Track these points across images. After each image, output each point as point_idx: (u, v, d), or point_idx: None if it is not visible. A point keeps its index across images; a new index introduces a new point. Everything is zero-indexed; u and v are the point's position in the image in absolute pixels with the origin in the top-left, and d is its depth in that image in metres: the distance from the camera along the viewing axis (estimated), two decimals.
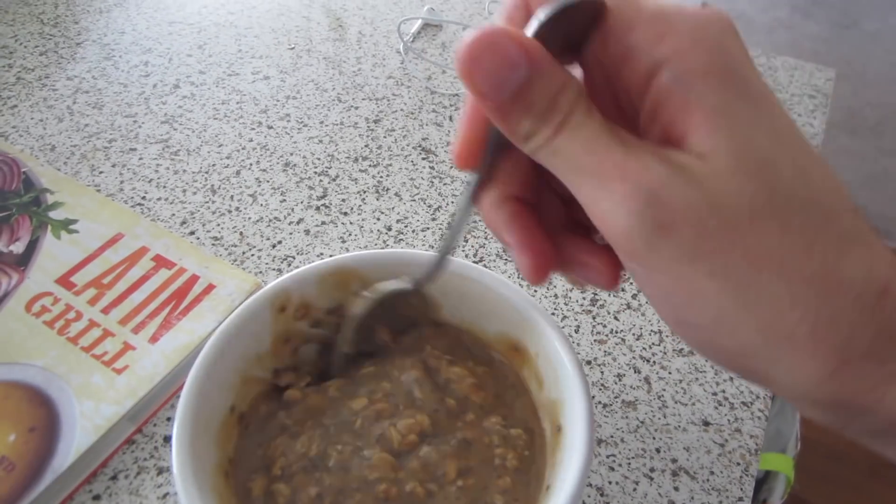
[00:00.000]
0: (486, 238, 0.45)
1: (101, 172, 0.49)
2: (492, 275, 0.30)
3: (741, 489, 0.34)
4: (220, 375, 0.27)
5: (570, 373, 0.26)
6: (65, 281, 0.40)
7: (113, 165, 0.50)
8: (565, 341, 0.27)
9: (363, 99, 0.57)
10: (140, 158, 0.50)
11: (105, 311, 0.38)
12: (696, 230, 0.17)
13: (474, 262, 0.43)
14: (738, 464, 0.35)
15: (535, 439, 0.28)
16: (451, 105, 0.57)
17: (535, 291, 0.42)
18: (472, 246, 0.44)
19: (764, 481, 1.02)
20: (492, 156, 0.21)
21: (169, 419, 0.35)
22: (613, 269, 0.22)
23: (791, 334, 0.17)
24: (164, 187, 0.48)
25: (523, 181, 0.22)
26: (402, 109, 0.56)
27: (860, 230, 0.17)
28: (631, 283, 0.42)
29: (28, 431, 0.33)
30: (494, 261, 0.43)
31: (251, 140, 0.52)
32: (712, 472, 0.34)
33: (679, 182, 0.17)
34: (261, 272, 0.42)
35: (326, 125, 0.54)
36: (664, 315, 0.20)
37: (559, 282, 0.42)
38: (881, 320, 0.16)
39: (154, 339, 0.37)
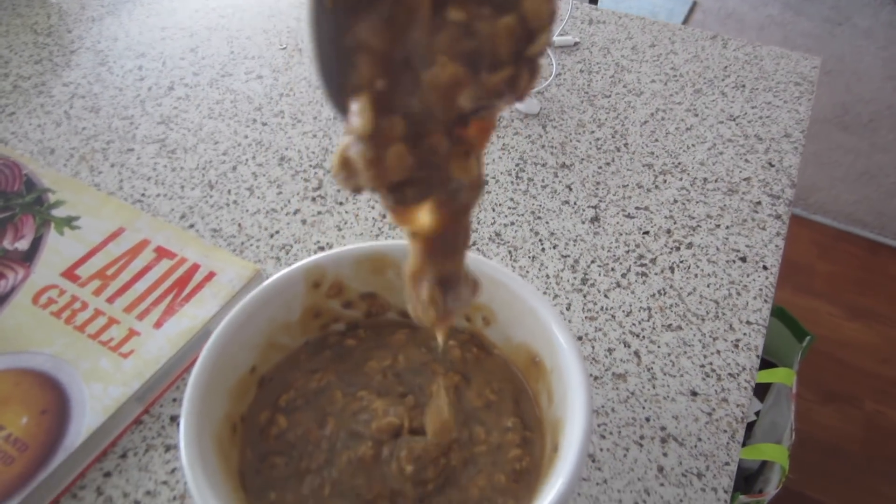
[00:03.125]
0: (477, 223, 0.46)
1: (100, 173, 0.50)
2: (522, 282, 0.30)
3: (728, 455, 0.35)
4: (246, 335, 0.28)
5: (578, 395, 0.25)
6: (70, 274, 0.41)
7: (112, 165, 0.51)
8: (581, 364, 0.26)
9: None
10: (138, 158, 0.52)
11: (110, 300, 0.39)
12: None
13: None
14: (725, 431, 0.36)
15: (538, 451, 0.29)
16: None
17: (528, 272, 0.43)
18: None
19: (760, 472, 1.03)
20: None
21: (175, 400, 0.36)
22: None
23: None
24: (163, 184, 0.49)
25: None
26: None
27: None
28: (620, 262, 0.44)
29: (40, 414, 0.34)
30: (487, 244, 0.45)
31: (246, 137, 0.54)
32: (700, 439, 0.35)
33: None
34: (260, 261, 0.43)
35: (320, 120, 0.55)
36: None
37: (551, 262, 0.44)
38: None
39: (158, 324, 0.38)
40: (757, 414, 1.06)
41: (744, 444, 1.05)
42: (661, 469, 0.34)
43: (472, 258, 0.31)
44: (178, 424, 0.35)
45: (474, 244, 0.45)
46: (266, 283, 0.30)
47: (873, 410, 1.26)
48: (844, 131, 1.72)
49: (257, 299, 0.29)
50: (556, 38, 0.64)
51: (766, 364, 1.09)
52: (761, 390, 1.06)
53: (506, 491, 0.26)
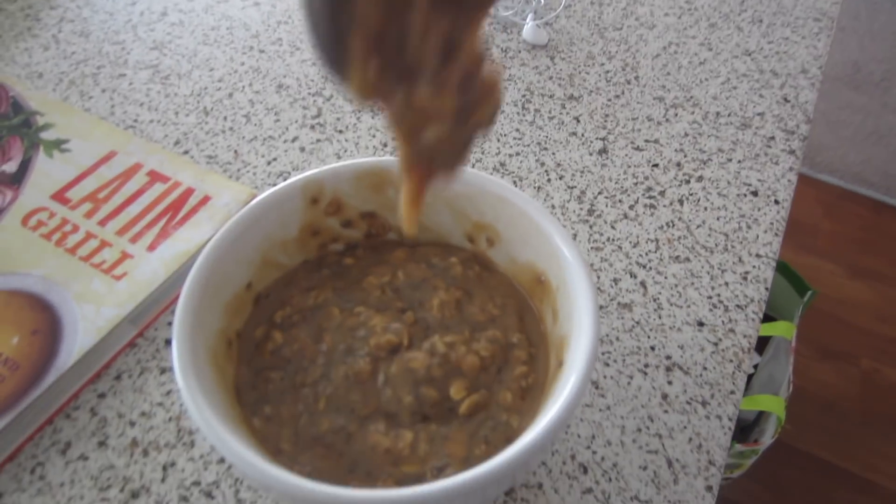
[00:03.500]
0: (482, 153, 0.45)
1: (90, 98, 0.48)
2: (528, 199, 0.29)
3: (733, 384, 0.34)
4: (241, 250, 0.27)
5: (585, 311, 0.25)
6: (60, 196, 0.40)
7: (103, 90, 0.49)
8: (588, 279, 0.26)
9: None
10: (130, 83, 0.50)
11: (102, 223, 0.38)
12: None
13: None
14: (731, 361, 0.35)
15: (542, 368, 0.28)
16: None
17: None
18: (469, 160, 0.44)
19: (756, 423, 1.04)
20: None
21: (170, 324, 0.35)
22: None
23: None
24: (156, 110, 0.47)
25: None
26: None
27: None
28: (628, 194, 0.42)
29: (31, 334, 0.33)
30: (491, 174, 0.43)
31: (243, 64, 0.52)
32: (705, 368, 0.35)
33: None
34: (256, 187, 0.42)
35: None
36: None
37: (557, 193, 0.42)
38: None
39: (152, 247, 0.37)
40: (755, 367, 1.06)
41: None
42: (665, 396, 0.33)
43: (478, 174, 0.30)
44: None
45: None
46: (261, 196, 0.29)
47: (870, 368, 1.27)
48: (855, 90, 1.67)
49: (252, 213, 0.28)
50: None
51: (766, 318, 1.09)
52: (760, 343, 1.06)
53: (510, 408, 0.26)
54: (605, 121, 0.48)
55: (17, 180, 0.41)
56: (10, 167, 0.41)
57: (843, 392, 1.23)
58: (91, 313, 0.34)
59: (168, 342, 0.35)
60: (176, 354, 0.23)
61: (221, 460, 0.31)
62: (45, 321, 0.34)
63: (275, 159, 0.44)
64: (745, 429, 1.05)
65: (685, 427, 0.33)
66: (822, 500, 1.08)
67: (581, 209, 0.41)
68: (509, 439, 0.25)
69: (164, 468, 0.31)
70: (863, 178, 1.65)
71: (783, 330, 0.99)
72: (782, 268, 1.06)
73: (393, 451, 0.25)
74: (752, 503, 1.06)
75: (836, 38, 1.57)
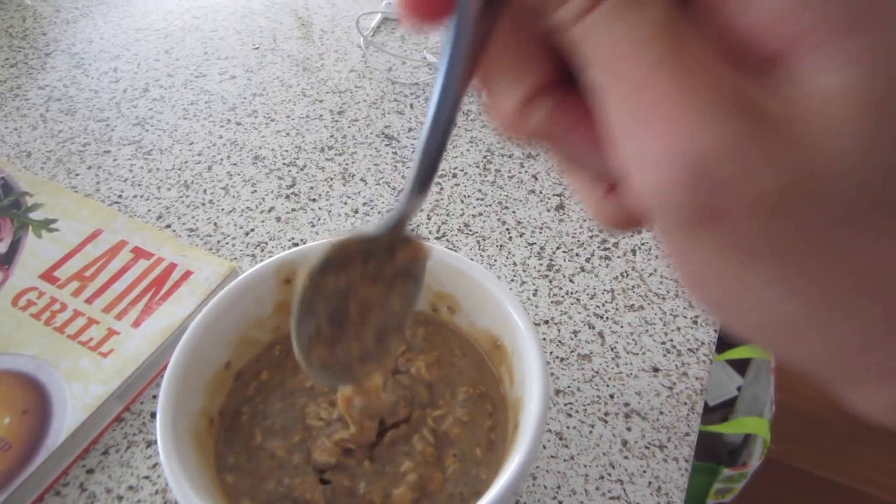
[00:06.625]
0: (447, 215, 0.47)
1: (77, 175, 0.51)
2: (482, 271, 0.31)
3: (688, 426, 0.37)
4: (220, 330, 0.30)
5: (536, 375, 0.27)
6: (48, 276, 0.42)
7: (88, 168, 0.52)
8: (538, 346, 0.28)
9: (327, 92, 0.59)
10: (115, 160, 0.52)
11: (89, 301, 0.40)
12: (764, 226, 0.11)
13: (436, 237, 0.46)
14: (685, 403, 0.38)
15: (502, 428, 0.30)
16: (411, 94, 0.59)
17: (496, 260, 0.44)
18: (435, 223, 0.47)
19: (743, 446, 1.06)
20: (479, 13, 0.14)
21: (155, 397, 0.38)
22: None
23: (870, 366, 0.12)
24: (139, 185, 0.50)
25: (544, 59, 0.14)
26: (364, 100, 0.58)
27: None
28: (584, 248, 0.45)
29: (21, 414, 0.35)
30: (456, 235, 0.46)
31: (221, 136, 0.54)
32: (662, 413, 0.37)
33: (757, 147, 0.11)
34: (235, 258, 0.44)
35: (293, 119, 0.56)
36: (695, 296, 0.14)
37: (518, 250, 0.45)
38: None
39: (137, 323, 0.39)
40: (738, 389, 1.08)
41: (726, 419, 1.07)
42: (625, 443, 0.36)
43: (437, 250, 0.32)
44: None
45: (444, 236, 0.46)
46: (237, 280, 0.31)
47: None
48: None
49: (228, 297, 0.30)
50: None
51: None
52: (742, 366, 1.08)
53: (480, 462, 0.28)
54: (561, 177, 0.51)
55: (7, 261, 0.43)
56: (1, 248, 0.44)
57: (830, 405, 1.25)
58: (79, 391, 0.36)
59: (154, 415, 0.37)
60: (160, 442, 0.25)
61: None
62: (35, 400, 0.36)
63: (252, 230, 0.46)
64: (732, 452, 1.06)
65: (644, 471, 0.35)
66: None
67: (541, 265, 0.44)
68: (478, 493, 0.27)
69: None
70: None
71: (761, 351, 1.01)
72: None
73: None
74: None
75: None
